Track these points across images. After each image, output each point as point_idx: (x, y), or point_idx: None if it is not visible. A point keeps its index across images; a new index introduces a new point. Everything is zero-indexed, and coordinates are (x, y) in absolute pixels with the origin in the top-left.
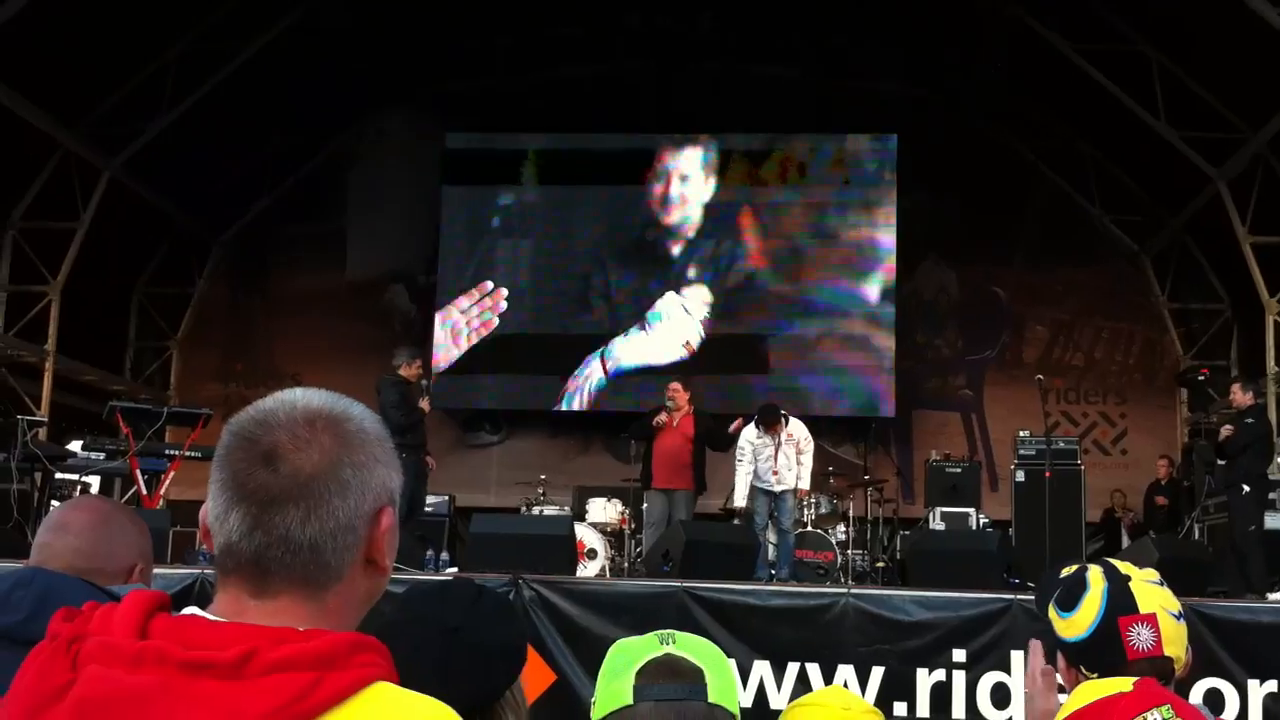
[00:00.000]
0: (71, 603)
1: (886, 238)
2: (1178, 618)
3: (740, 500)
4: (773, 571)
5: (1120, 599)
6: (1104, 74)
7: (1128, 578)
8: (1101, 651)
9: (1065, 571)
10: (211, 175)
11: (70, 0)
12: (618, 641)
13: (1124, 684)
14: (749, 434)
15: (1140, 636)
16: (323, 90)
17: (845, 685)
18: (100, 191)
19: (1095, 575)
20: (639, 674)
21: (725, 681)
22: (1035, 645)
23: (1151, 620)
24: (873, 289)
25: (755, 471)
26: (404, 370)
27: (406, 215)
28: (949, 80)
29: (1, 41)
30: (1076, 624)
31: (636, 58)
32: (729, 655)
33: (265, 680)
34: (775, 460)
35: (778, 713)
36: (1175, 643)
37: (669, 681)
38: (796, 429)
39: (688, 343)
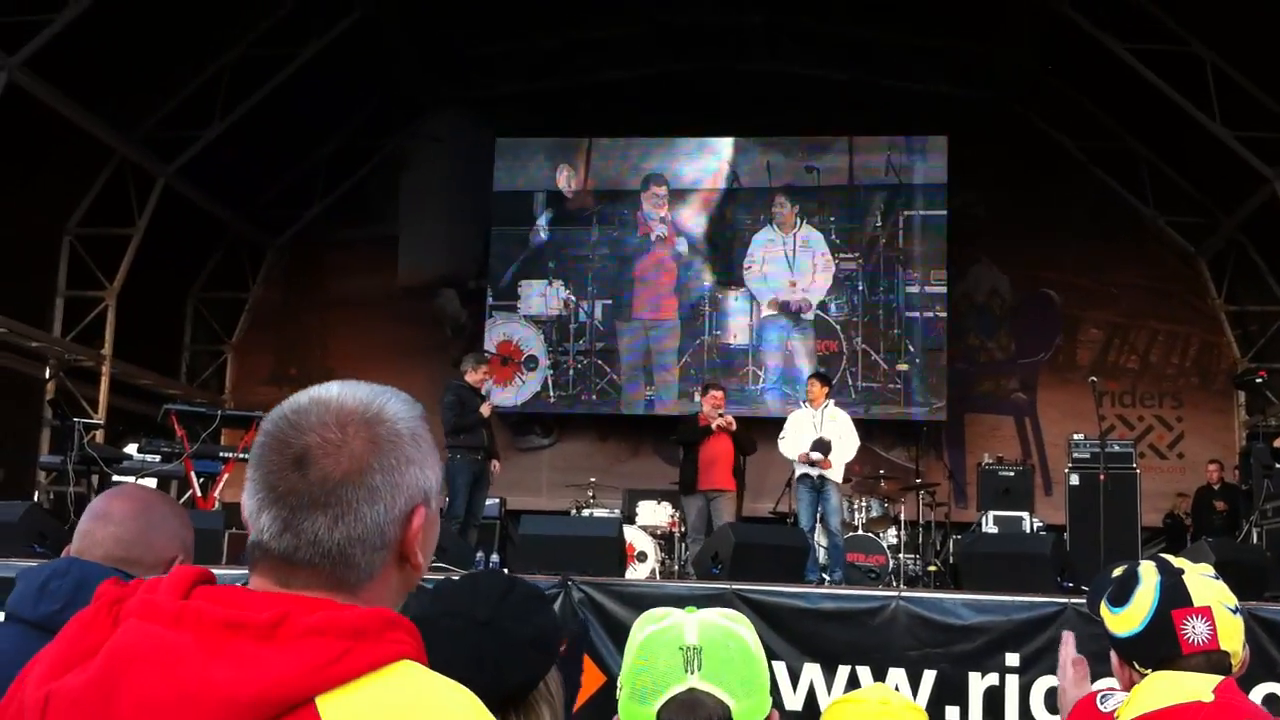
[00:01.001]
0: None
1: (937, 239)
2: (1234, 612)
3: (795, 451)
4: (825, 575)
5: (1174, 592)
6: (1156, 74)
7: (1181, 571)
8: (1155, 645)
9: (1117, 571)
10: (265, 180)
11: (124, 8)
12: (648, 628)
13: (1204, 690)
14: (786, 444)
15: (1195, 630)
16: (375, 94)
17: (896, 688)
18: (155, 197)
19: (1148, 570)
20: (662, 710)
21: (754, 703)
22: (1067, 636)
23: (1207, 613)
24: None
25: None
26: (469, 375)
27: (457, 219)
28: (1000, 81)
29: (57, 50)
30: (1129, 619)
31: (685, 60)
32: (778, 658)
33: (296, 643)
34: (820, 433)
35: None
36: (1232, 637)
37: None
38: (839, 413)
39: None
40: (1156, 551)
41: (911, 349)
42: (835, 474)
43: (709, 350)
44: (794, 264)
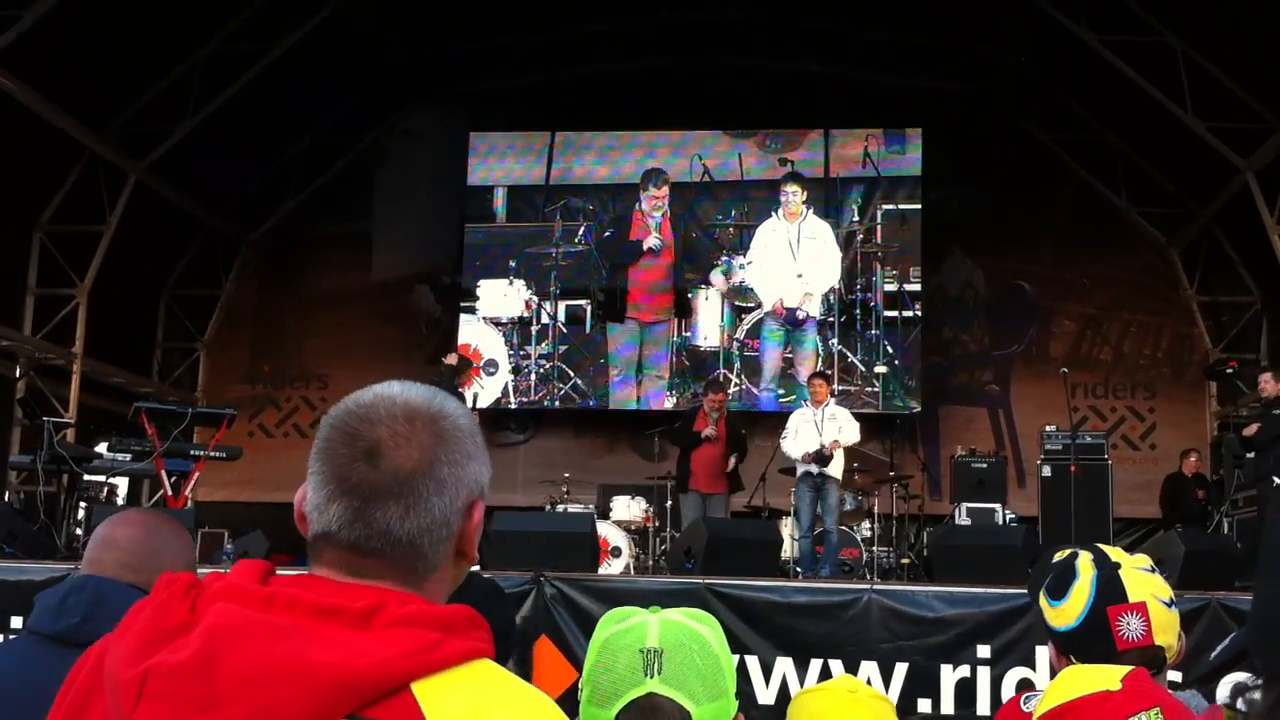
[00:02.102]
0: (123, 606)
1: (915, 234)
2: (1169, 605)
3: (798, 451)
4: (807, 570)
5: (1109, 588)
6: (1130, 65)
7: (1117, 565)
8: (1092, 642)
9: (1057, 556)
10: (239, 176)
11: (96, 4)
12: (609, 629)
13: (1111, 679)
14: (789, 442)
15: (1130, 626)
16: (350, 89)
17: (869, 681)
18: (127, 194)
19: (1085, 563)
20: (621, 714)
21: (717, 707)
22: None
23: (1141, 609)
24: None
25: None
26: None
27: (432, 215)
28: (974, 74)
29: (28, 46)
30: (1066, 613)
31: (664, 54)
32: (751, 652)
33: (391, 631)
34: (821, 436)
35: None
36: (1167, 631)
37: None
38: (841, 413)
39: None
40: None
41: (890, 350)
42: (836, 468)
43: (680, 354)
44: (797, 255)
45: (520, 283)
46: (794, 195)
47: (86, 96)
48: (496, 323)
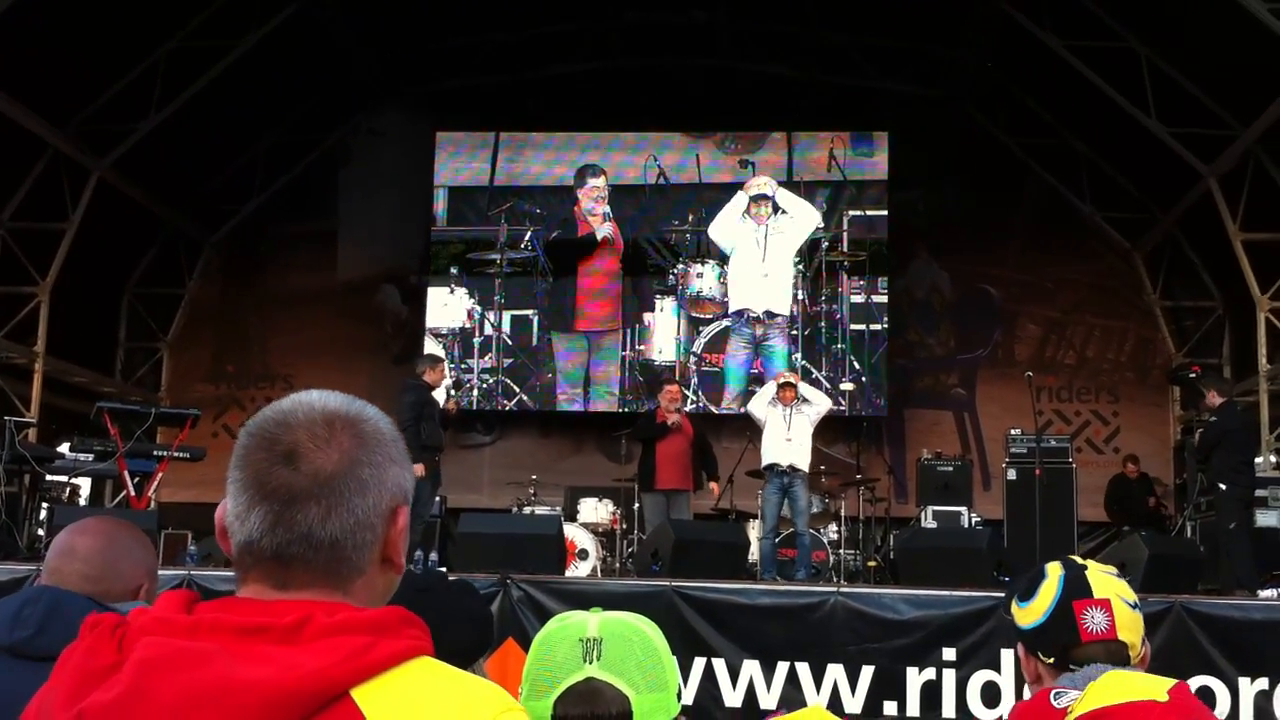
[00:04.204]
0: (78, 618)
1: (880, 241)
2: (1133, 607)
3: (760, 406)
4: (768, 572)
5: (1075, 585)
6: (1094, 70)
7: (1085, 567)
8: (1057, 634)
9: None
10: (202, 175)
11: (58, 0)
12: (549, 625)
13: (1158, 690)
14: (760, 402)
15: (1094, 619)
16: (315, 88)
17: (835, 684)
18: (90, 191)
19: (1053, 566)
20: (558, 702)
21: (657, 699)
22: None
23: (1105, 605)
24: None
25: (765, 446)
26: (427, 375)
27: (398, 215)
28: (940, 78)
29: None
30: (1034, 611)
31: (630, 55)
32: (718, 654)
33: (321, 641)
34: (788, 428)
35: (767, 712)
36: (1130, 629)
37: (588, 716)
38: (811, 393)
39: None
40: (1088, 549)
41: (857, 366)
42: (805, 463)
43: (632, 368)
44: (765, 252)
45: (462, 291)
46: (767, 203)
47: (48, 93)
48: (436, 334)
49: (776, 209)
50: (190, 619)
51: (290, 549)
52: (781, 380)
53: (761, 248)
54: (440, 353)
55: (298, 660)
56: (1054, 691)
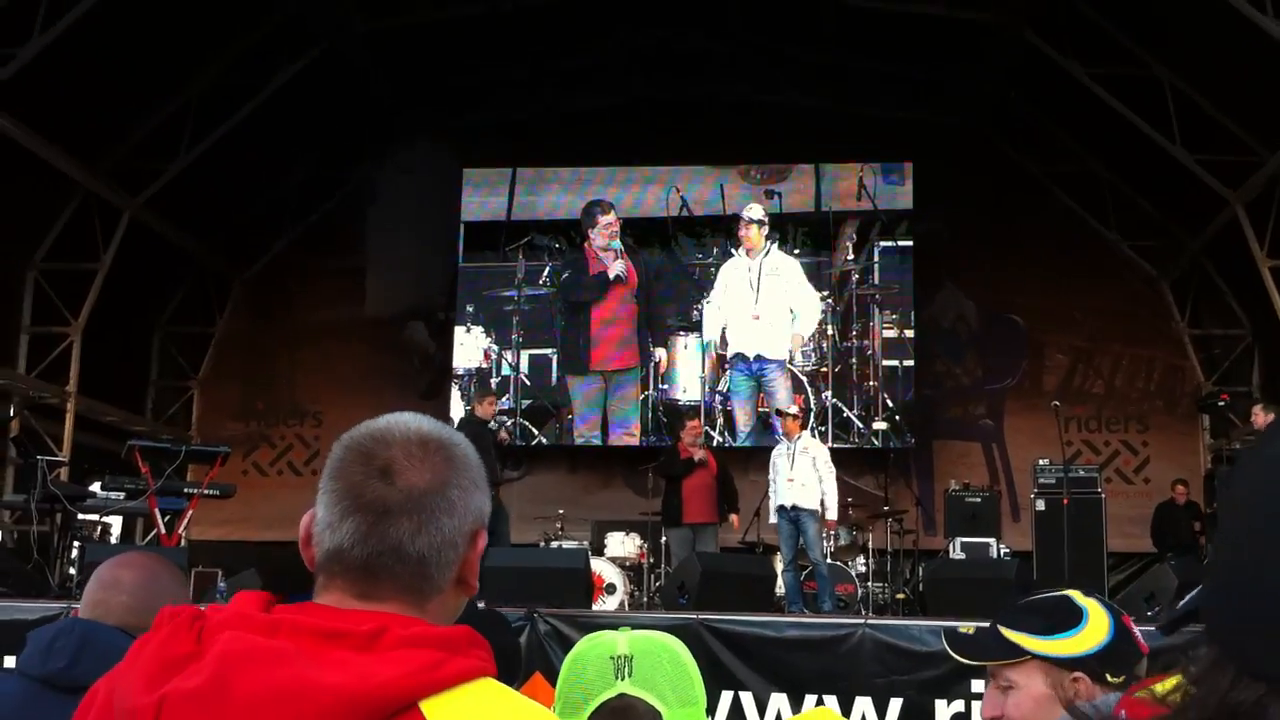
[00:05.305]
0: (111, 649)
1: (903, 266)
2: None
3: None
4: (793, 604)
5: (1112, 605)
6: (1117, 97)
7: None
8: (1124, 651)
9: (1032, 600)
10: (232, 213)
11: (89, 41)
12: (581, 644)
13: None
14: (773, 454)
15: (1139, 633)
16: (343, 125)
17: (863, 716)
18: (121, 231)
19: (1072, 593)
20: (592, 717)
21: (688, 714)
22: None
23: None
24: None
25: (772, 486)
26: (478, 410)
27: (425, 250)
28: (963, 106)
29: (22, 83)
30: (1093, 634)
31: (652, 88)
32: (745, 687)
33: (396, 652)
34: (791, 468)
35: None
36: None
37: None
38: (814, 446)
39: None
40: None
41: (890, 404)
42: (810, 503)
43: (654, 407)
44: (758, 295)
45: (478, 329)
46: (754, 226)
47: (80, 134)
48: (454, 375)
49: (769, 237)
50: (270, 618)
51: (380, 560)
52: (779, 411)
53: (754, 290)
54: (455, 394)
55: (373, 669)
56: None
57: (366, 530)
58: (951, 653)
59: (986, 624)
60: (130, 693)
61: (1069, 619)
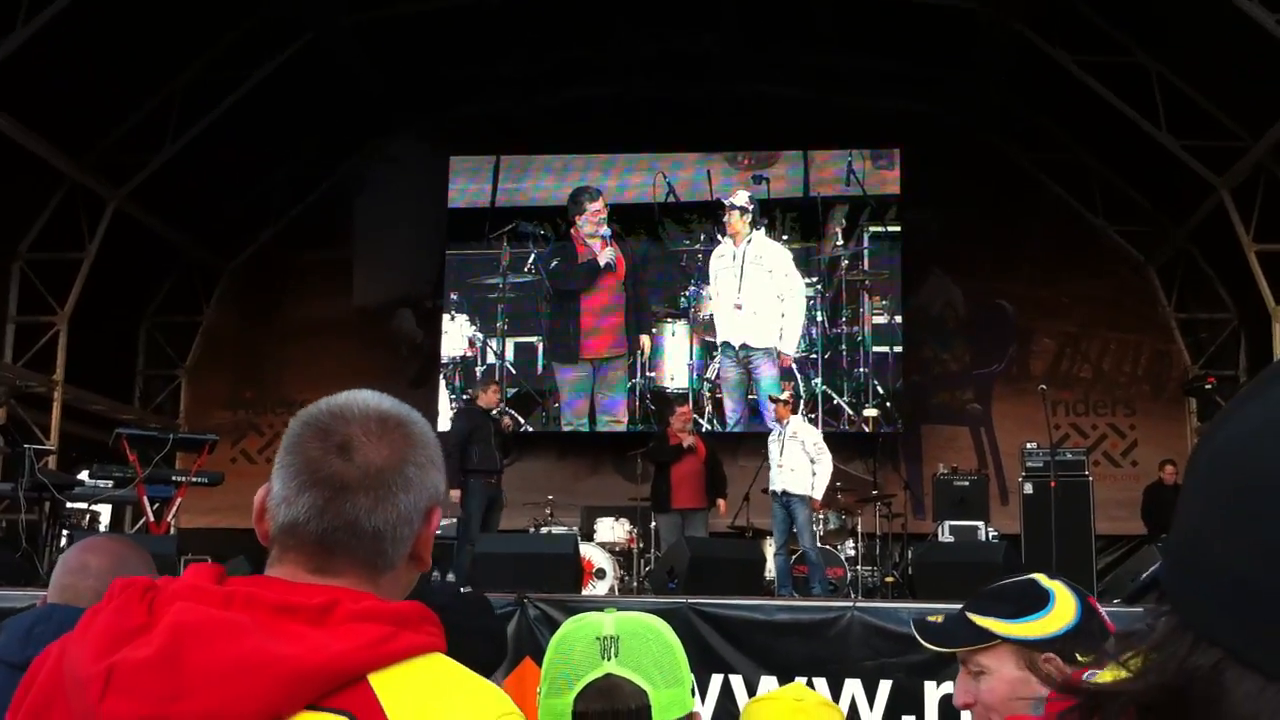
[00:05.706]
0: None
1: (892, 252)
2: None
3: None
4: (783, 588)
5: (1077, 586)
6: (1104, 85)
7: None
8: (1092, 632)
9: (998, 586)
10: (219, 203)
11: (75, 32)
12: (566, 625)
13: None
14: (768, 441)
15: (1103, 613)
16: (329, 116)
17: (853, 699)
18: (107, 221)
19: (1036, 575)
20: (579, 699)
21: (674, 695)
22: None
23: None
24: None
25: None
26: (481, 399)
27: (412, 239)
28: (951, 95)
29: (6, 74)
30: (1060, 616)
31: (641, 79)
32: (735, 671)
33: (347, 626)
34: (781, 454)
35: None
36: None
37: (608, 712)
38: (804, 430)
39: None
40: (1107, 562)
41: (881, 391)
42: (801, 488)
43: (642, 395)
44: (741, 282)
45: (463, 318)
46: (736, 212)
47: (66, 124)
48: (440, 363)
49: (755, 224)
50: (223, 590)
51: (336, 535)
52: (771, 397)
53: (738, 279)
54: (439, 383)
55: (324, 642)
56: (1086, 673)
57: (323, 505)
58: (922, 641)
59: (955, 611)
60: (80, 662)
61: (1036, 602)
